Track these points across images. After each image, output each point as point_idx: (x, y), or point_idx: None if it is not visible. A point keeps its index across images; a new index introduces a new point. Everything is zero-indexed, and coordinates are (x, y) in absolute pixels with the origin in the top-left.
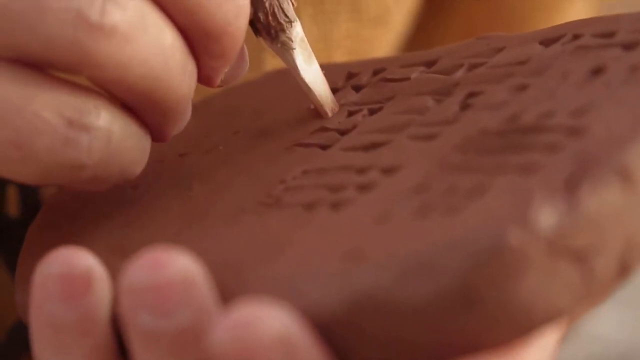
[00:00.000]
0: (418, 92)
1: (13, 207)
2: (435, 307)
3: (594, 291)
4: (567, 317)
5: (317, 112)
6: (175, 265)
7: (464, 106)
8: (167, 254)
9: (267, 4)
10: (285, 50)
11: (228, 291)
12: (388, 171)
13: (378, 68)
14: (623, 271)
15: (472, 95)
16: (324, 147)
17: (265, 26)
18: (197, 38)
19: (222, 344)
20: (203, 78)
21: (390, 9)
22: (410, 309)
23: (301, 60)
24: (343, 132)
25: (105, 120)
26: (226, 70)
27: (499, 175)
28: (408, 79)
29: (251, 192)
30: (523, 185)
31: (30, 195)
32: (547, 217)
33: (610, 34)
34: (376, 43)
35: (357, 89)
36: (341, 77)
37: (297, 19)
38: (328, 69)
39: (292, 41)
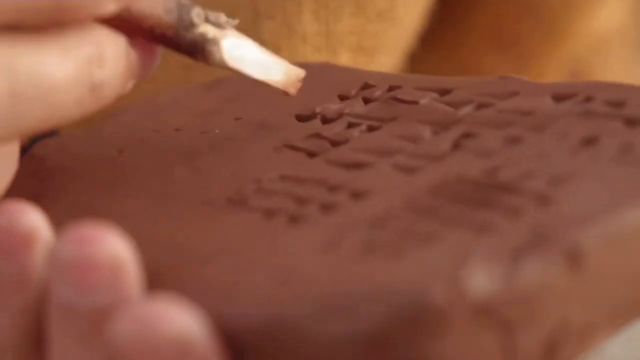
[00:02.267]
0: (420, 120)
1: None
2: (346, 350)
3: None
4: None
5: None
6: (106, 245)
7: (456, 145)
8: (100, 232)
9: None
10: (236, 33)
11: (161, 282)
12: (356, 196)
13: (394, 85)
14: (549, 353)
15: (467, 135)
16: (311, 155)
17: (213, 18)
18: None
19: (121, 335)
20: None
21: (396, 3)
22: (321, 345)
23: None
24: (335, 144)
25: None
26: None
27: (456, 227)
28: (417, 103)
29: (225, 186)
30: (469, 243)
31: None
32: (479, 280)
33: (620, 104)
34: (382, 39)
35: (367, 101)
36: (357, 85)
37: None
38: (347, 74)
39: (234, 23)
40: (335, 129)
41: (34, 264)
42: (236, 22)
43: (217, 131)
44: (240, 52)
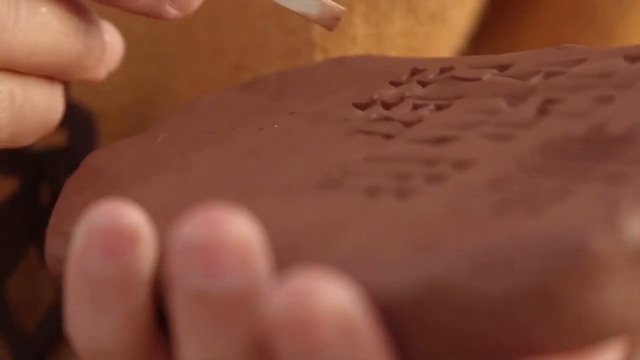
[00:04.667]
0: (490, 94)
1: (45, 196)
2: (511, 306)
3: None
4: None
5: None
6: (234, 226)
7: (542, 112)
8: (225, 213)
9: None
10: None
11: (285, 264)
12: (460, 166)
13: (445, 66)
14: None
15: (550, 101)
16: (387, 137)
17: None
18: None
19: (278, 312)
20: (146, 14)
21: (448, 5)
22: (482, 304)
23: None
24: (408, 124)
25: (5, 87)
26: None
27: (585, 181)
28: (479, 79)
29: (308, 173)
30: (611, 193)
31: (61, 185)
32: (635, 226)
33: None
34: (433, 41)
35: (423, 84)
36: (406, 71)
37: None
38: (392, 62)
39: None
40: (402, 111)
41: (139, 263)
42: None
43: (276, 126)
44: None
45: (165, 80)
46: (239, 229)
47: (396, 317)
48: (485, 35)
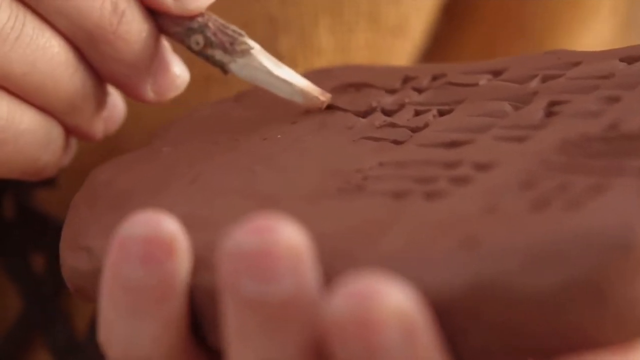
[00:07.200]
0: (492, 98)
1: (9, 210)
2: (561, 298)
3: None
4: None
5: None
6: (284, 233)
7: (549, 113)
8: (275, 221)
9: (210, 24)
10: (247, 56)
11: (331, 268)
12: (482, 167)
13: (437, 73)
14: None
15: (555, 103)
16: (396, 142)
17: (219, 44)
18: (82, 40)
19: (339, 313)
20: (123, 87)
21: (409, 19)
22: (534, 298)
23: (268, 61)
24: (415, 130)
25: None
26: (143, 77)
27: (617, 177)
28: (476, 84)
29: (324, 178)
30: None
31: (25, 198)
32: None
33: None
34: (394, 53)
35: (419, 91)
36: (398, 79)
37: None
38: (383, 71)
39: (250, 46)
40: (405, 117)
41: (177, 271)
42: (244, 38)
43: (279, 136)
44: (250, 74)
45: None
46: (290, 235)
47: (448, 315)
48: (435, 45)
